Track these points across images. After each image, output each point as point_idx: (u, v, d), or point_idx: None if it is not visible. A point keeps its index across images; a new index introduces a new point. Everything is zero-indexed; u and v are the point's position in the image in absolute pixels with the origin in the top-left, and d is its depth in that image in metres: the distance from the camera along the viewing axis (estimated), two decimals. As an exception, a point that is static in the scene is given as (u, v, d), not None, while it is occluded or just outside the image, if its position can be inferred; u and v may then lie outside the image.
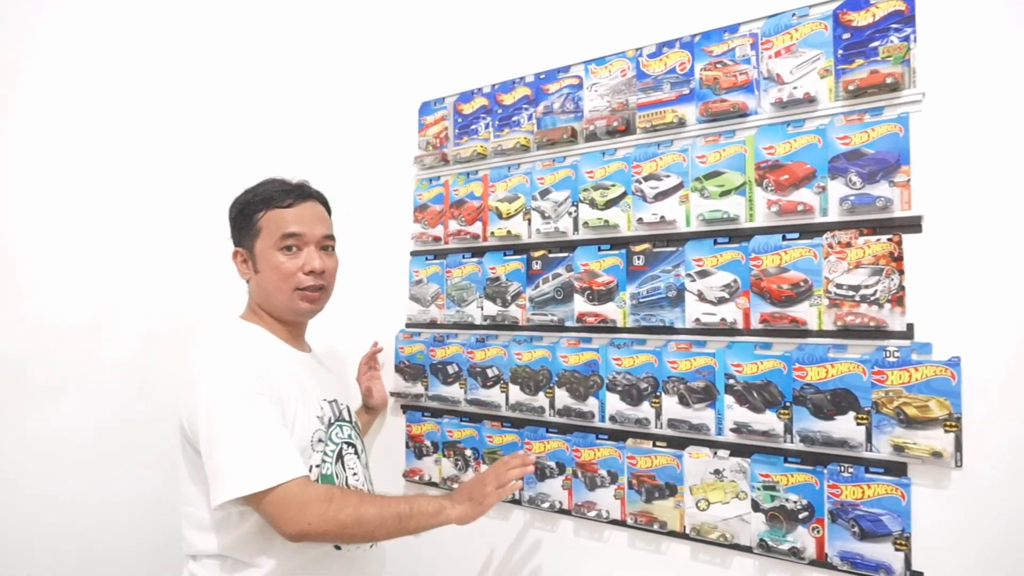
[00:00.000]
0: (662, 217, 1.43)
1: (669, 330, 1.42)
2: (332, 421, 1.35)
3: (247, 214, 1.35)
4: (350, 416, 1.43)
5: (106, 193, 1.78)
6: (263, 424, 1.18)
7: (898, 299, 1.17)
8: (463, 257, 1.77)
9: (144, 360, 1.83)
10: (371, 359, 1.88)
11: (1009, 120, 1.10)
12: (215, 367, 1.22)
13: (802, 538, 1.24)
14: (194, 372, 1.23)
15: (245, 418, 1.16)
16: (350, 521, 1.15)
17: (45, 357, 1.68)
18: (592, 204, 1.53)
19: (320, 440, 1.30)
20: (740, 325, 1.33)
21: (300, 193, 1.38)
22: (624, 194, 1.49)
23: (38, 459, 1.66)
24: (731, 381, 1.32)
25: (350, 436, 1.39)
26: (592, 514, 1.49)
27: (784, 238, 1.28)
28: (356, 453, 1.39)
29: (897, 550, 1.15)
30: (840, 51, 1.25)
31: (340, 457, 1.34)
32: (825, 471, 1.22)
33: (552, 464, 1.56)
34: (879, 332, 1.19)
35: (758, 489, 1.28)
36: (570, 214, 1.57)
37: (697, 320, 1.37)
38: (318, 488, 1.18)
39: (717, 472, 1.33)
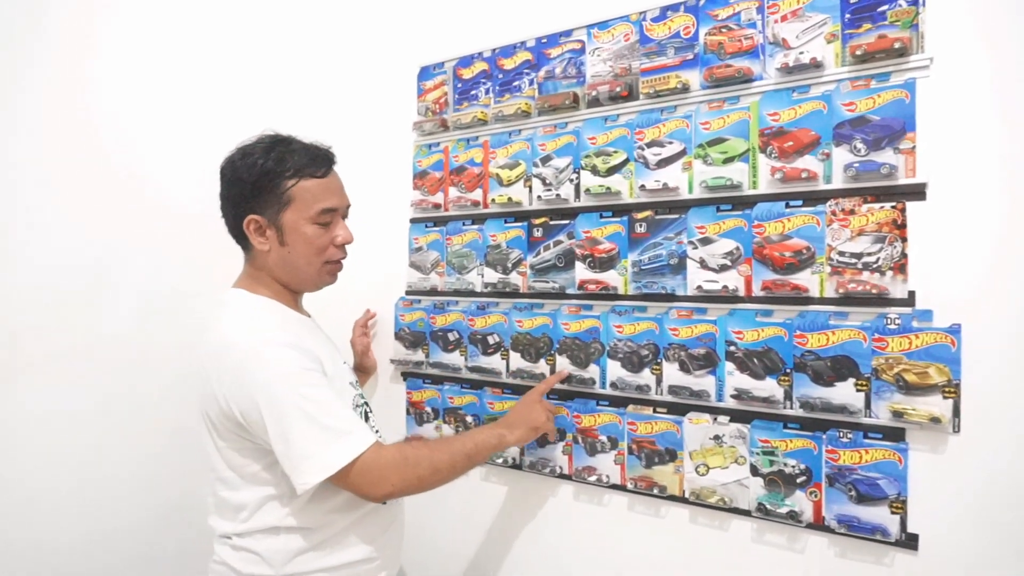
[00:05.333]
0: (665, 184, 1.42)
1: (671, 297, 1.42)
2: (353, 384, 1.36)
3: (273, 182, 1.24)
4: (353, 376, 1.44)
5: (100, 159, 1.76)
6: (327, 399, 1.16)
7: (900, 267, 1.17)
8: (463, 224, 1.76)
9: (141, 331, 1.82)
10: (365, 324, 1.89)
11: (1017, 87, 1.09)
12: (259, 350, 1.17)
13: (800, 502, 1.26)
14: (233, 358, 1.18)
15: (309, 397, 1.14)
16: (427, 473, 1.20)
17: (39, 328, 1.66)
18: (594, 171, 1.52)
19: (356, 405, 1.31)
20: (742, 292, 1.33)
21: (330, 161, 1.32)
22: (626, 161, 1.48)
23: (33, 430, 1.65)
24: (732, 348, 1.33)
25: (363, 395, 1.39)
26: (592, 479, 1.51)
27: (787, 205, 1.28)
28: (370, 411, 1.41)
29: (893, 513, 1.17)
30: (847, 15, 1.23)
31: (366, 418, 1.34)
32: (824, 436, 1.24)
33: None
34: (881, 299, 1.19)
35: (757, 454, 1.30)
36: (572, 181, 1.56)
37: (699, 287, 1.37)
38: (391, 451, 1.19)
39: (717, 438, 1.35)
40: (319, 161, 1.29)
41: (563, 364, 1.55)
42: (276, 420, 1.13)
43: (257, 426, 1.15)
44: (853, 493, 1.20)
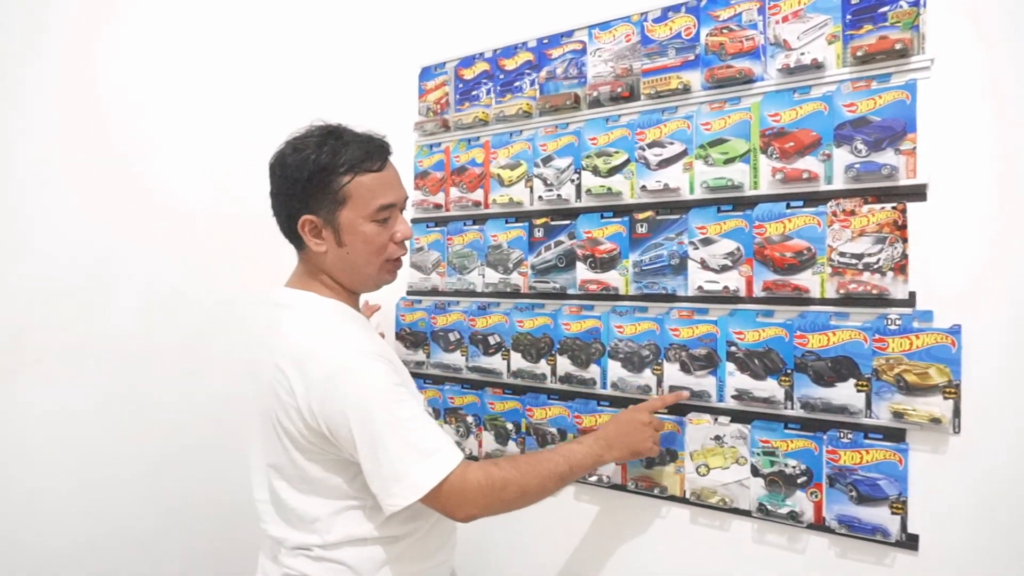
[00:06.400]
0: (666, 184, 1.42)
1: (671, 298, 1.42)
2: (419, 389, 1.33)
3: (327, 179, 1.15)
4: None
5: (104, 157, 1.76)
6: (415, 415, 1.11)
7: (901, 267, 1.17)
8: (464, 224, 1.76)
9: (143, 329, 1.81)
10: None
11: (1018, 88, 1.10)
12: (349, 363, 1.11)
13: (800, 502, 1.26)
14: (321, 370, 1.10)
15: (399, 415, 1.09)
16: (514, 497, 1.14)
17: (41, 326, 1.66)
18: (595, 171, 1.52)
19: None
20: (743, 293, 1.33)
21: (385, 153, 1.22)
22: (627, 161, 1.48)
23: (34, 429, 1.65)
24: (733, 348, 1.33)
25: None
26: (593, 479, 1.51)
27: (788, 206, 1.28)
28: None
29: (894, 513, 1.17)
30: (848, 16, 1.23)
31: None
32: (824, 437, 1.24)
33: (554, 431, 1.58)
34: (881, 300, 1.19)
35: (758, 455, 1.30)
36: (573, 181, 1.56)
37: (700, 288, 1.37)
38: (478, 473, 1.12)
39: (718, 438, 1.35)
40: (375, 154, 1.19)
41: (564, 364, 1.56)
42: (368, 438, 1.08)
43: (346, 442, 1.09)
44: (854, 493, 1.20)
